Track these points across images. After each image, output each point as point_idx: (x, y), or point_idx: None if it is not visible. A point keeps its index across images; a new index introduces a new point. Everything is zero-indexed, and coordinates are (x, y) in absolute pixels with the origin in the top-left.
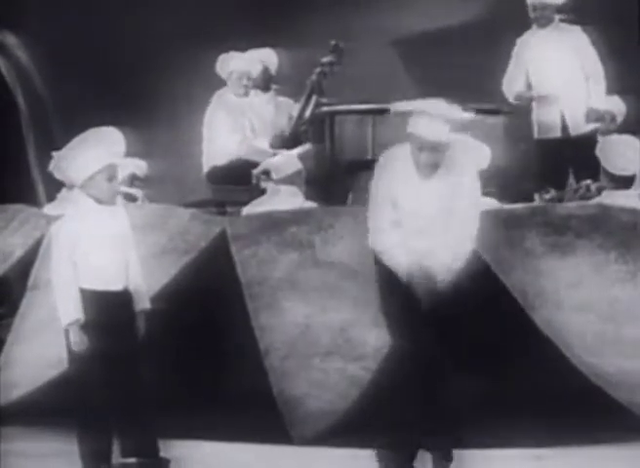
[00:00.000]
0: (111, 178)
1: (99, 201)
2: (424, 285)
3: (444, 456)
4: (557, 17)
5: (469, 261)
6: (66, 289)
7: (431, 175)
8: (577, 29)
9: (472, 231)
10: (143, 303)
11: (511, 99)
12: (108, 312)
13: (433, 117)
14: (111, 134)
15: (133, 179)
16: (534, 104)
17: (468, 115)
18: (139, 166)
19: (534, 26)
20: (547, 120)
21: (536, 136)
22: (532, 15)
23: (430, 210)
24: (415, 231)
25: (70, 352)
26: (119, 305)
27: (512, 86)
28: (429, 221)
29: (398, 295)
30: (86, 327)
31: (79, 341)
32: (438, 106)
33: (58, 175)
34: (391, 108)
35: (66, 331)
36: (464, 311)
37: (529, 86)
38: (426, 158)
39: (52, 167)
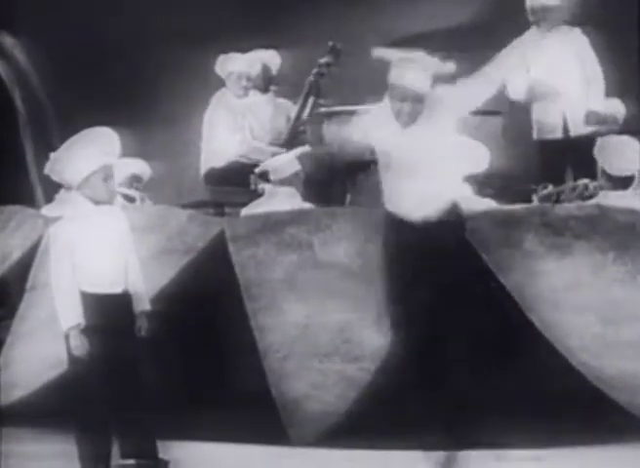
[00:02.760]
0: (107, 179)
1: (96, 202)
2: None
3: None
4: (557, 19)
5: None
6: (66, 292)
7: (411, 123)
8: (576, 31)
9: (453, 179)
10: (143, 305)
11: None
12: (108, 315)
13: (416, 67)
14: (105, 134)
15: (133, 180)
16: (534, 105)
17: (450, 65)
18: (141, 168)
19: (533, 28)
20: (548, 121)
21: (535, 136)
22: (531, 18)
23: (412, 156)
24: (399, 176)
25: (70, 355)
26: (119, 308)
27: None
28: (412, 167)
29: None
30: (86, 330)
31: (79, 345)
32: (420, 56)
33: (54, 178)
34: (373, 53)
35: (66, 335)
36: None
37: (529, 87)
38: (408, 108)
39: (47, 169)
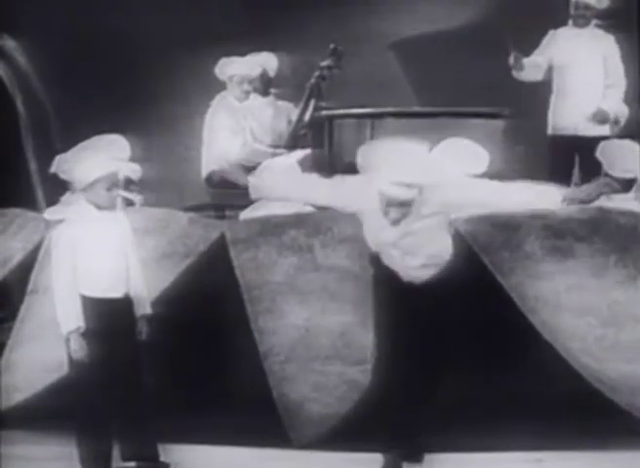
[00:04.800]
0: (111, 187)
1: (98, 207)
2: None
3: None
4: (594, 21)
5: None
6: (67, 296)
7: (398, 224)
8: (610, 38)
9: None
10: (144, 308)
11: (515, 73)
12: (108, 319)
13: (399, 179)
14: (116, 141)
15: (128, 183)
16: (551, 100)
17: (435, 175)
18: (132, 170)
19: (570, 23)
20: (562, 118)
21: (549, 132)
22: (572, 12)
23: (399, 245)
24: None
25: (70, 358)
26: (119, 312)
27: (526, 66)
28: (400, 251)
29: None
30: (86, 334)
31: (79, 349)
32: (403, 167)
33: (62, 176)
34: (357, 162)
35: (67, 339)
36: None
37: (548, 76)
38: (393, 214)
39: (54, 167)
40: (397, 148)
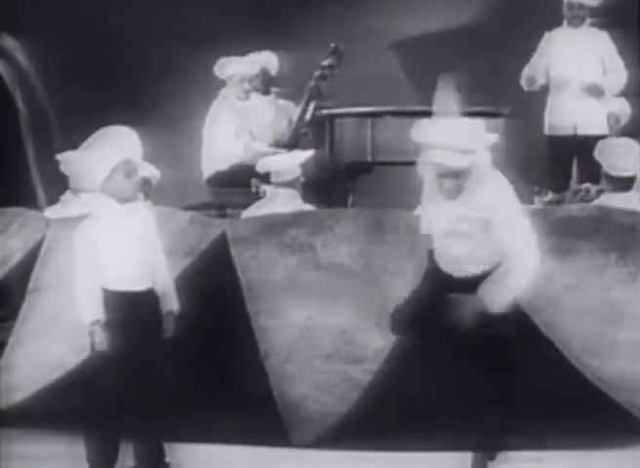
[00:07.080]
0: (129, 175)
1: (121, 200)
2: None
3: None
4: (589, 20)
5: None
6: (88, 289)
7: (454, 198)
8: (604, 35)
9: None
10: (171, 304)
11: (525, 87)
12: (131, 313)
13: (451, 148)
14: (120, 131)
15: (143, 184)
16: (548, 100)
17: (490, 137)
18: (152, 172)
19: (564, 23)
20: (560, 118)
21: (546, 132)
22: (566, 13)
23: (454, 227)
24: (443, 242)
25: (93, 350)
26: (142, 306)
27: (530, 77)
28: (453, 236)
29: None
30: (108, 326)
31: (102, 340)
32: (450, 136)
33: (75, 184)
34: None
35: (90, 332)
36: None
37: (547, 80)
38: (448, 184)
39: (64, 169)
40: (449, 121)
